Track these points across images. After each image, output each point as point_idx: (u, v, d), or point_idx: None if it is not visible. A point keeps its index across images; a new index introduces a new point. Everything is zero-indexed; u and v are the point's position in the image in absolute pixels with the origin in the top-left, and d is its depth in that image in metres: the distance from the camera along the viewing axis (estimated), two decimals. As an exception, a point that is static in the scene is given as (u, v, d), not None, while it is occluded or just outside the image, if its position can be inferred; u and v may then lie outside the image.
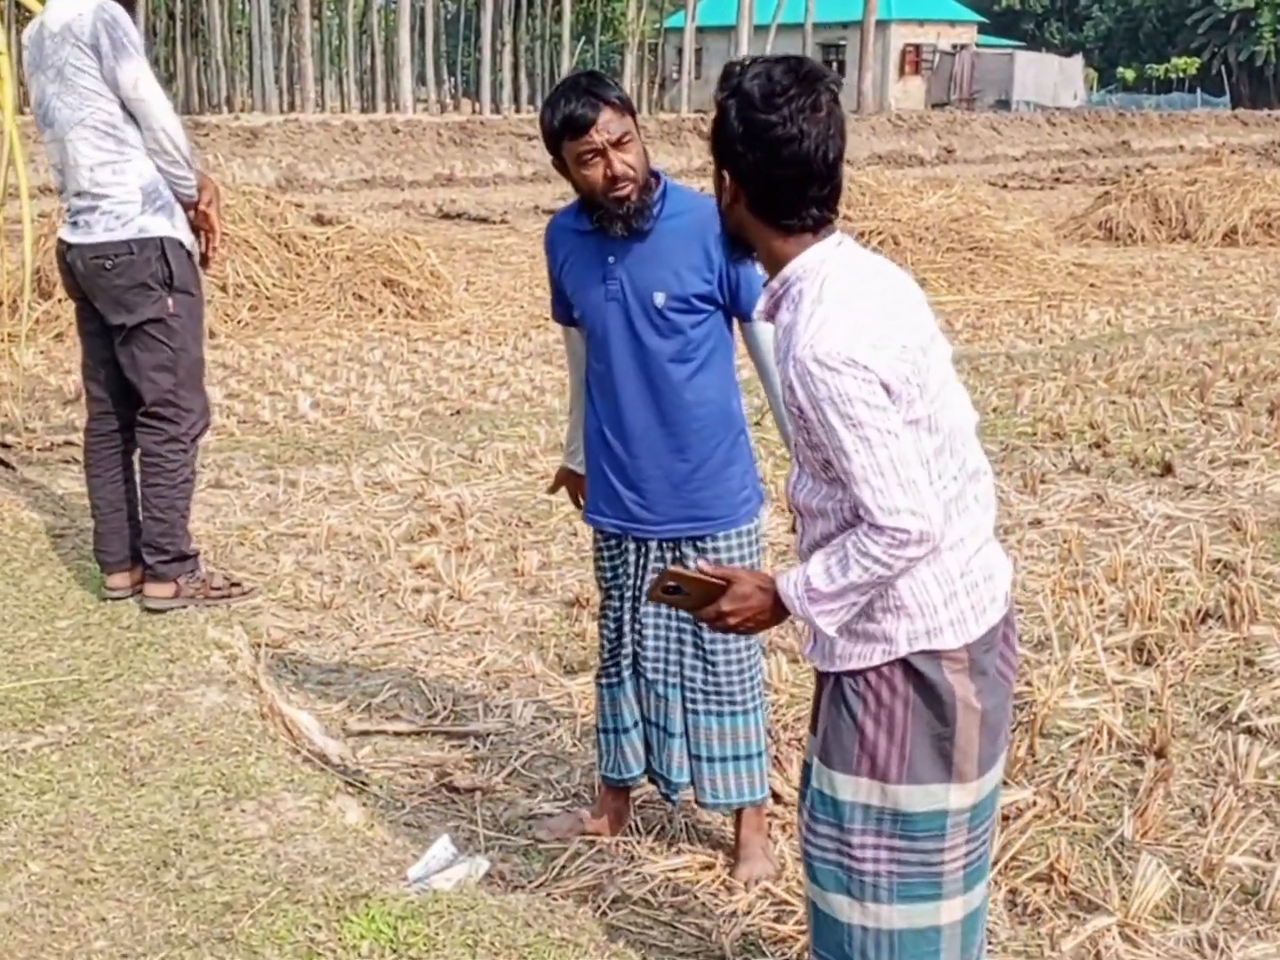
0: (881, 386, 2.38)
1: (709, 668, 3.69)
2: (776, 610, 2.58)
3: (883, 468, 2.38)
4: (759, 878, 3.77)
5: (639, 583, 3.71)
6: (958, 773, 2.59)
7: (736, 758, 3.75)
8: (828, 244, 2.53)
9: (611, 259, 3.51)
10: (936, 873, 2.62)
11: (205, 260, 5.48)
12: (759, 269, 3.51)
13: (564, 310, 3.76)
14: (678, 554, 3.64)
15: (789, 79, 2.43)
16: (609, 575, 3.80)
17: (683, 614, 3.64)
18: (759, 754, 3.78)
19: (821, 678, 2.74)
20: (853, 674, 2.62)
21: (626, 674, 3.80)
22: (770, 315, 2.62)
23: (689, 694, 3.73)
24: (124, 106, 5.12)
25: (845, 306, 2.43)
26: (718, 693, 3.70)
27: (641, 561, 3.69)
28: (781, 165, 2.45)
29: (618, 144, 3.38)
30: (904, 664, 2.56)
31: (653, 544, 3.66)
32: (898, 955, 2.65)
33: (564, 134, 3.38)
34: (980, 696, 2.59)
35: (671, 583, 2.63)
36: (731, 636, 3.61)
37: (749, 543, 3.69)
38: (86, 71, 5.08)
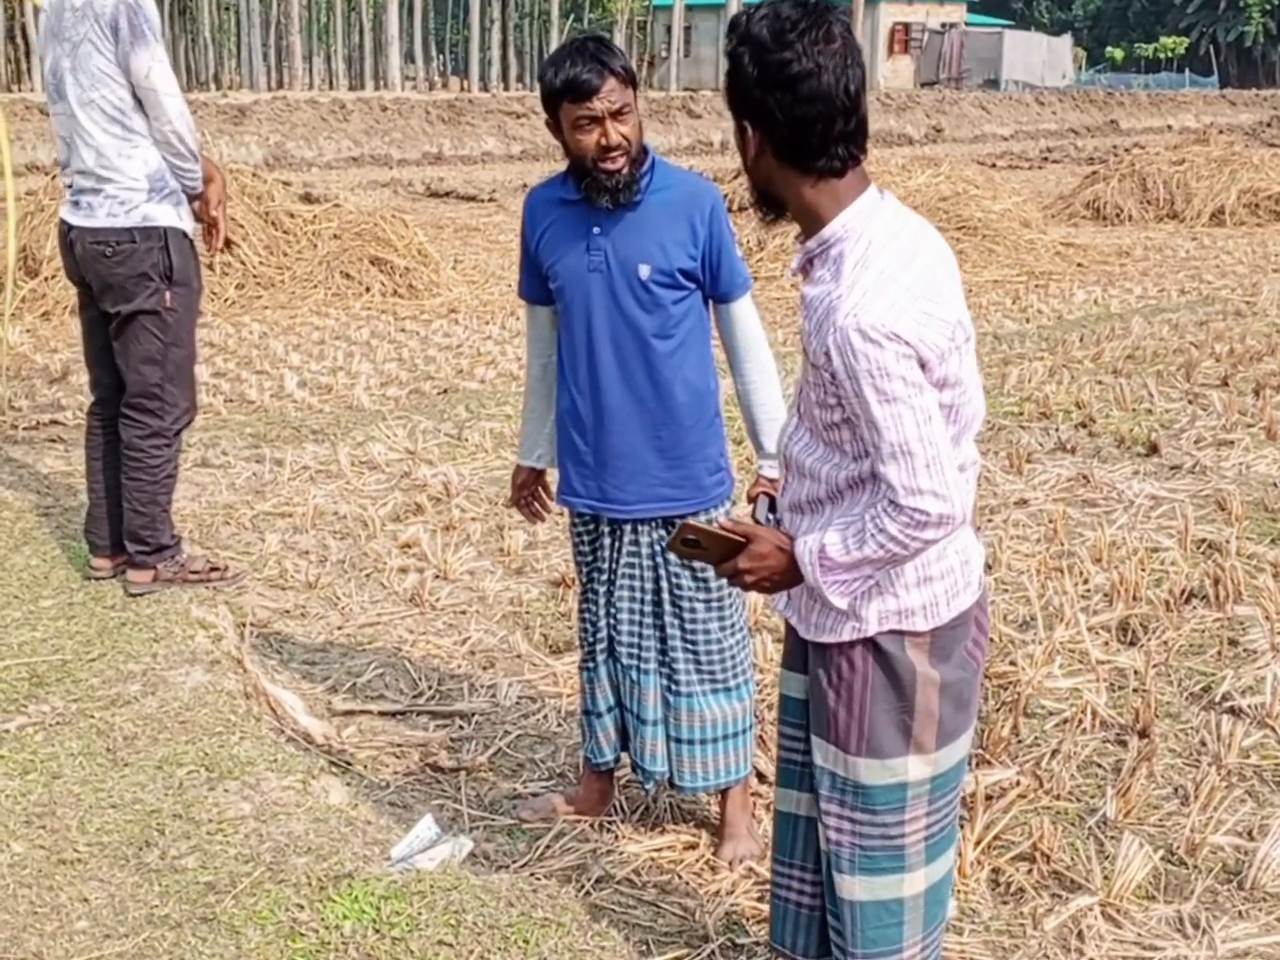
0: (919, 363, 2.34)
1: (689, 647, 3.66)
2: (793, 572, 2.54)
3: (911, 446, 2.34)
4: (743, 857, 3.77)
5: (614, 565, 3.66)
6: (916, 744, 2.59)
7: (725, 737, 3.73)
8: (868, 199, 2.46)
9: (596, 229, 3.47)
10: (898, 845, 2.63)
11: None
12: (738, 254, 3.50)
13: (535, 287, 3.68)
14: (652, 536, 3.62)
15: (797, 13, 2.36)
16: (587, 558, 3.76)
17: (661, 597, 3.63)
18: (744, 731, 3.77)
19: (793, 629, 2.75)
20: (819, 646, 2.63)
21: (601, 659, 3.77)
22: (803, 273, 2.53)
23: (670, 678, 3.69)
24: (134, 93, 5.07)
25: (890, 277, 2.37)
26: (699, 672, 3.67)
27: (616, 544, 3.65)
28: (803, 103, 2.36)
29: (617, 114, 3.35)
30: (866, 640, 2.56)
31: (627, 526, 3.62)
32: (859, 925, 2.67)
33: (564, 96, 3.34)
34: (941, 669, 2.58)
35: (690, 536, 2.59)
36: (711, 617, 3.62)
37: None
38: (101, 53, 5.01)
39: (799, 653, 2.74)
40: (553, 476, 3.84)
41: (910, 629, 2.55)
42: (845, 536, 2.44)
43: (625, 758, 3.94)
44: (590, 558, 3.75)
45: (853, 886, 2.66)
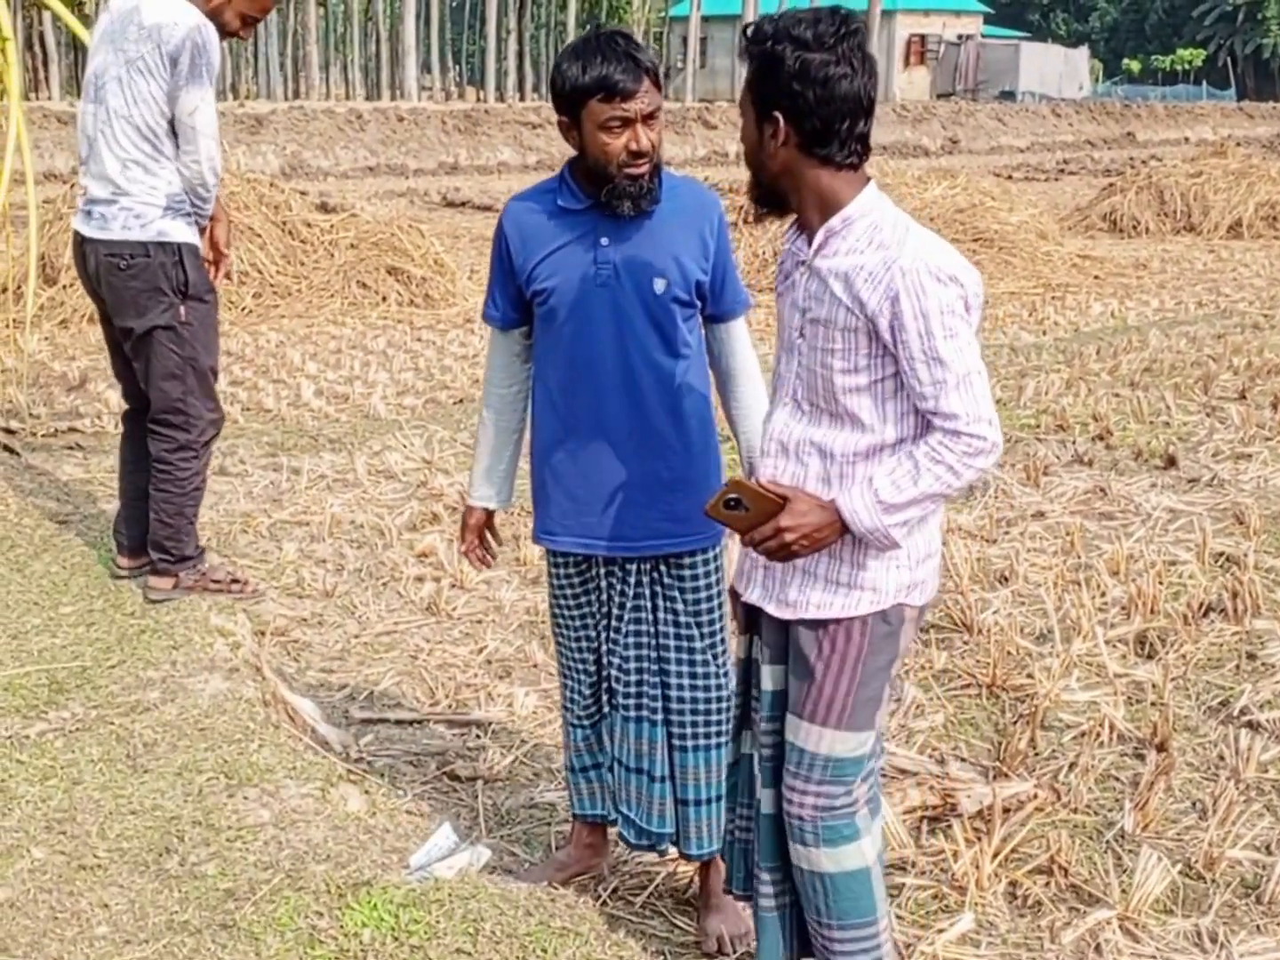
0: (965, 307, 2.60)
1: (695, 694, 3.38)
2: (832, 528, 2.65)
3: (973, 377, 2.57)
4: (735, 935, 3.43)
5: (614, 609, 3.37)
6: (877, 721, 2.80)
7: (720, 797, 3.41)
8: (873, 187, 2.71)
9: (605, 240, 3.20)
10: (851, 812, 2.80)
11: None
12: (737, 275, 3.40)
13: (510, 308, 3.37)
14: (654, 575, 3.35)
15: (835, 23, 2.59)
16: (577, 602, 3.45)
17: (664, 641, 3.37)
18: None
19: (771, 620, 2.84)
20: (815, 622, 2.74)
21: (602, 712, 3.49)
22: (814, 255, 2.71)
23: (675, 729, 3.41)
24: (172, 121, 5.10)
25: (932, 235, 2.66)
26: (707, 723, 3.39)
27: (617, 586, 3.36)
28: (837, 100, 2.60)
29: (648, 118, 3.12)
30: (875, 613, 2.72)
31: (631, 566, 3.34)
32: (832, 897, 2.81)
33: (594, 94, 3.07)
34: (908, 644, 2.82)
35: (733, 496, 2.66)
36: (714, 658, 3.40)
37: (718, 568, 3.42)
38: (155, 77, 5.03)
39: (778, 643, 2.85)
40: (501, 517, 3.65)
41: (910, 603, 2.75)
42: (895, 479, 2.60)
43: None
44: (581, 601, 3.44)
45: (819, 858, 2.80)
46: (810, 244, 2.71)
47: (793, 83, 2.59)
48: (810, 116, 2.60)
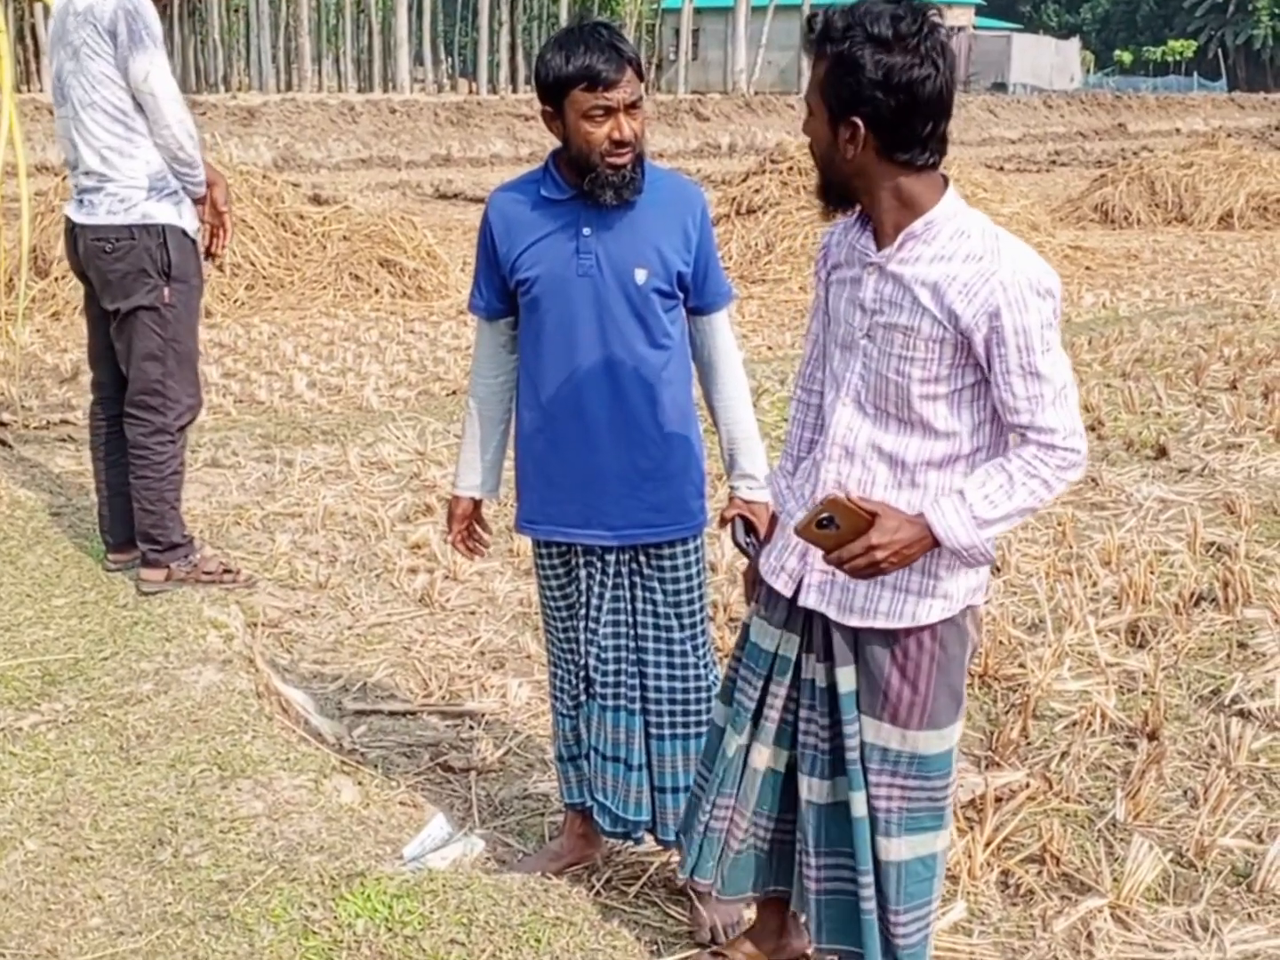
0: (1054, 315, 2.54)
1: (673, 685, 3.40)
2: (921, 543, 2.55)
3: (1068, 392, 2.51)
4: (728, 925, 3.43)
5: (593, 599, 3.39)
6: (961, 710, 2.76)
7: None
8: (953, 188, 2.59)
9: (587, 230, 3.21)
10: (941, 805, 2.79)
11: (210, 254, 5.47)
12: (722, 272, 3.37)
13: (495, 298, 3.38)
14: (633, 565, 3.37)
15: (911, 17, 2.44)
16: (561, 592, 3.46)
17: (642, 631, 3.39)
18: None
19: (830, 622, 2.75)
20: (885, 632, 2.69)
21: (585, 700, 3.48)
22: (891, 258, 2.58)
23: (652, 719, 3.43)
24: (134, 95, 5.12)
25: (1019, 241, 2.55)
26: (685, 712, 3.42)
27: (596, 575, 3.37)
28: (922, 105, 2.46)
29: (631, 107, 3.13)
30: (944, 619, 2.69)
31: (610, 556, 3.35)
32: (903, 883, 2.80)
33: (577, 83, 3.08)
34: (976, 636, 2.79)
35: (826, 515, 2.54)
36: (693, 649, 3.40)
37: (698, 559, 3.42)
38: (101, 56, 5.06)
39: (840, 643, 2.76)
40: (489, 507, 3.60)
41: (975, 603, 2.72)
42: (988, 494, 2.52)
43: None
44: (568, 591, 3.45)
45: (900, 848, 2.79)
46: (879, 243, 2.59)
47: (875, 90, 2.43)
48: (891, 123, 2.46)
